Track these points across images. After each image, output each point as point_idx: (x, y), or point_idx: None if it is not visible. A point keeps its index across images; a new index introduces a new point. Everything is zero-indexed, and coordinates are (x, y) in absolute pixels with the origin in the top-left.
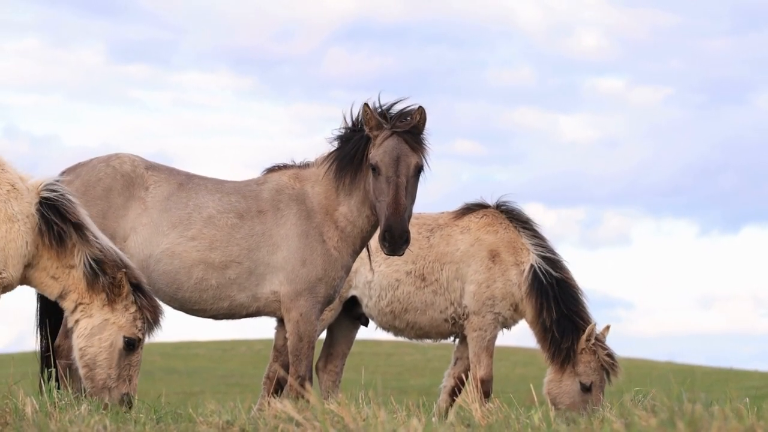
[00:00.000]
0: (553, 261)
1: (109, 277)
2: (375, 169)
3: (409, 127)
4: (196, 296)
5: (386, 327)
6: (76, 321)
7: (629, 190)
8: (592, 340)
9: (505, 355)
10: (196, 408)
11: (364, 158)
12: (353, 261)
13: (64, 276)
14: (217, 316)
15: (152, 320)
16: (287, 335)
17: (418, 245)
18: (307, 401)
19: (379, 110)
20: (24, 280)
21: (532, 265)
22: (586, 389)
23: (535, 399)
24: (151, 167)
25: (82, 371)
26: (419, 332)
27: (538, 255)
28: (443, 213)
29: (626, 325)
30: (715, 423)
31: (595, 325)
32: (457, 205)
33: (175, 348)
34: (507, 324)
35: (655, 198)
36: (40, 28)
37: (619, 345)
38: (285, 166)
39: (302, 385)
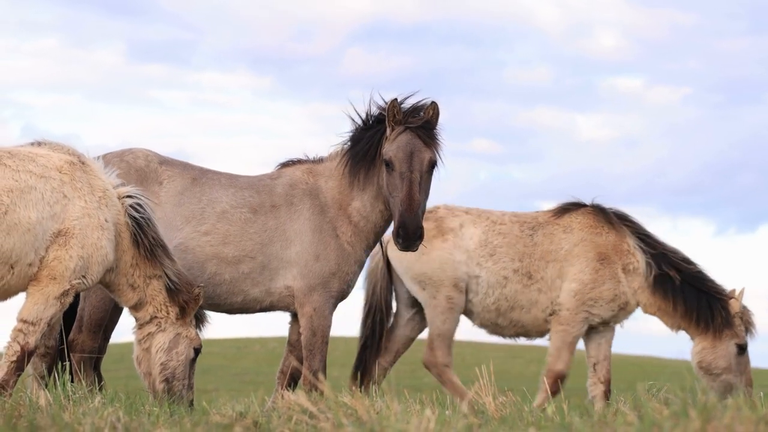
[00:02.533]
0: (662, 254)
1: (186, 293)
2: (389, 165)
3: (421, 122)
4: (210, 291)
5: (486, 324)
6: (149, 334)
7: (646, 189)
8: (741, 302)
9: (519, 352)
10: (210, 403)
11: (377, 153)
12: (366, 256)
13: (143, 285)
14: (231, 311)
15: (202, 326)
16: (301, 330)
17: (522, 243)
18: (321, 393)
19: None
20: (101, 283)
21: (648, 263)
22: (742, 350)
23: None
24: (165, 162)
25: (159, 385)
26: (520, 330)
27: (647, 252)
28: (538, 212)
29: (641, 323)
30: (728, 413)
31: (742, 289)
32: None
33: None
34: (606, 322)
35: (671, 197)
36: (60, 28)
37: (634, 342)
38: (299, 161)
39: (316, 379)
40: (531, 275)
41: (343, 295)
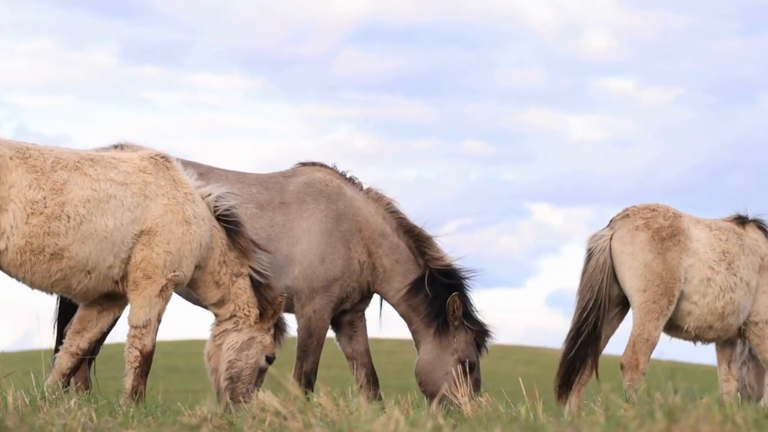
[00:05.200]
0: None
1: (269, 297)
2: (469, 366)
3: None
4: None
5: (701, 326)
6: (225, 331)
7: (638, 190)
8: None
9: (507, 353)
10: (186, 403)
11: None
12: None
13: (228, 283)
14: None
15: (279, 341)
16: (297, 330)
17: (735, 250)
18: (294, 394)
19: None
20: (195, 280)
21: None
22: None
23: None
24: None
25: (224, 383)
26: (723, 335)
27: None
28: (718, 219)
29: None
30: (694, 413)
31: None
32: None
33: (176, 346)
34: None
35: (664, 197)
36: (54, 30)
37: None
38: (322, 165)
39: (309, 382)
40: (748, 283)
41: (341, 302)
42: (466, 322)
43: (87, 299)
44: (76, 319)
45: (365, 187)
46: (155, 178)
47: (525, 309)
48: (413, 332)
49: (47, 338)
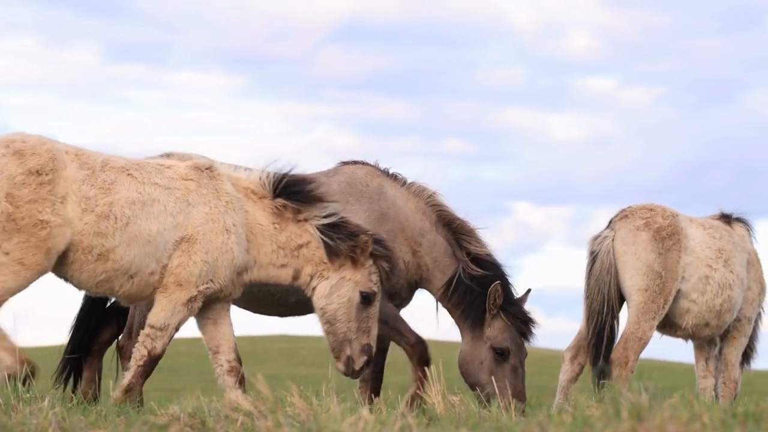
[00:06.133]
0: None
1: (348, 241)
2: (501, 353)
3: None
4: (265, 291)
5: (698, 324)
6: (314, 288)
7: (618, 189)
8: None
9: None
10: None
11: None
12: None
13: (293, 260)
14: (282, 313)
15: (388, 270)
16: None
17: (730, 247)
18: (264, 394)
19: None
20: (251, 281)
21: None
22: None
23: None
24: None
25: (323, 327)
26: (717, 332)
27: None
28: (706, 218)
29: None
30: (659, 413)
31: None
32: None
33: None
34: None
35: (644, 196)
36: (36, 28)
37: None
38: (365, 164)
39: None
40: (743, 281)
41: (391, 299)
42: (504, 312)
43: (131, 302)
44: (207, 342)
45: (408, 181)
46: (197, 186)
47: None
48: (457, 324)
49: (24, 338)
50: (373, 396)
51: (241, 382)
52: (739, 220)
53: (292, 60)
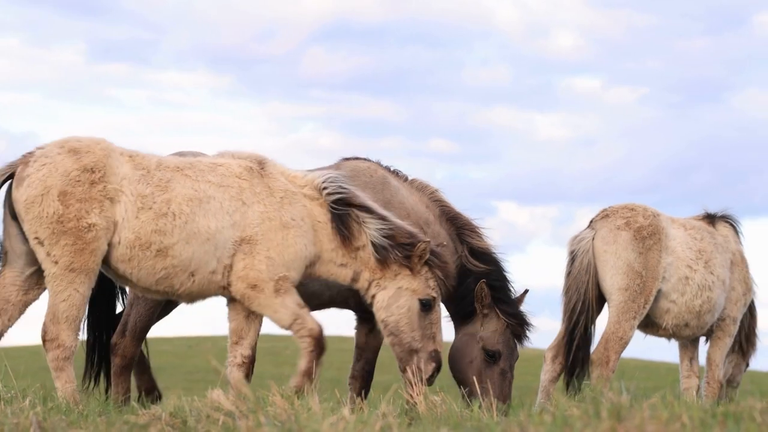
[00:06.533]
0: None
1: (401, 250)
2: (492, 356)
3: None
4: (302, 288)
5: (678, 324)
6: (373, 296)
7: (603, 188)
8: None
9: None
10: (146, 402)
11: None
12: None
13: (352, 261)
14: (320, 306)
15: (444, 276)
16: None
17: (711, 248)
18: (244, 394)
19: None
20: (311, 276)
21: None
22: None
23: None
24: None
25: (388, 339)
26: (699, 332)
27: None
28: (689, 218)
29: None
30: (638, 413)
31: None
32: None
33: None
34: None
35: (629, 196)
36: (21, 28)
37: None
38: (366, 159)
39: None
40: (724, 282)
41: None
42: (500, 311)
43: (192, 302)
44: (231, 333)
45: (410, 178)
46: (250, 185)
47: None
48: (451, 318)
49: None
50: (362, 394)
51: (248, 377)
52: (724, 219)
53: (277, 59)
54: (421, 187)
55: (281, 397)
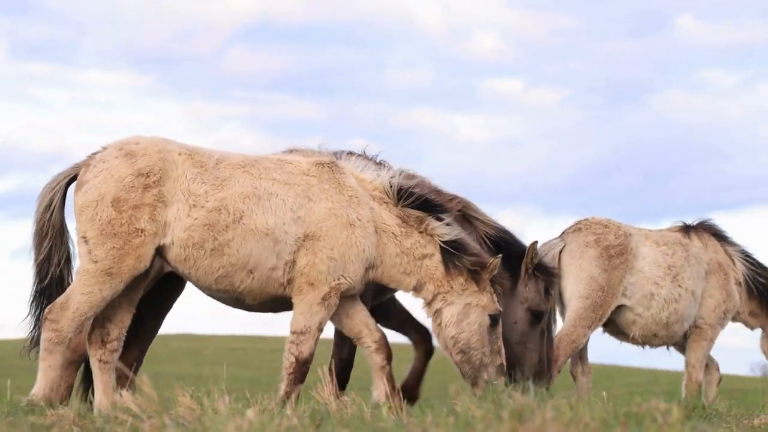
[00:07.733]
0: (756, 265)
1: (468, 261)
2: (538, 316)
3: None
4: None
5: (646, 334)
6: (437, 311)
7: (525, 190)
8: None
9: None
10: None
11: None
12: None
13: (416, 269)
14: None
15: (504, 289)
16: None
17: (681, 263)
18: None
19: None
20: (373, 280)
21: (744, 275)
22: None
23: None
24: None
25: (456, 357)
26: (668, 341)
27: (745, 267)
28: (661, 230)
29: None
30: (540, 414)
31: None
32: None
33: None
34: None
35: (550, 197)
36: None
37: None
38: (350, 153)
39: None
40: (694, 292)
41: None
42: (539, 270)
43: (255, 301)
44: (348, 333)
45: (396, 167)
46: (319, 181)
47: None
48: None
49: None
50: (337, 390)
51: (389, 358)
52: (701, 228)
53: (199, 59)
54: (410, 177)
55: (190, 398)
